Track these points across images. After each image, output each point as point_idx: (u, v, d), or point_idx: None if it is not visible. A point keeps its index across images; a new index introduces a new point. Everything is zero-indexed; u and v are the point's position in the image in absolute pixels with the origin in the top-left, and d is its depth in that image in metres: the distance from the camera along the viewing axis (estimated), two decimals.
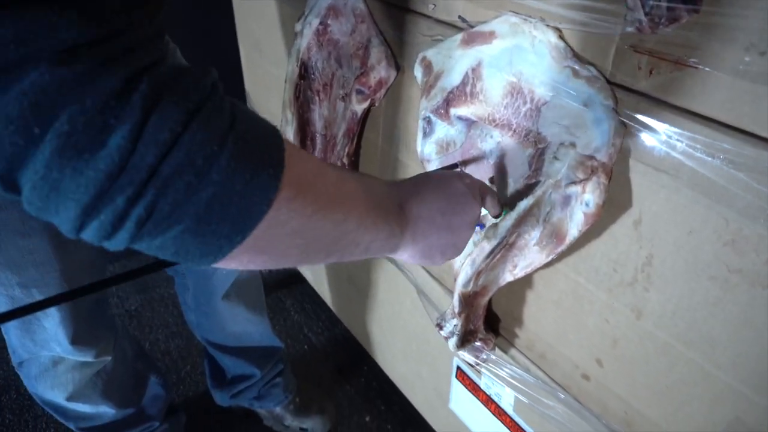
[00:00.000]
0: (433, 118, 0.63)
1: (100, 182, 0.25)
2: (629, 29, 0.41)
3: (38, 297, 0.73)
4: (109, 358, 0.90)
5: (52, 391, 0.88)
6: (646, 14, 0.39)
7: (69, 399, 0.89)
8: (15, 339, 0.83)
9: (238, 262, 0.32)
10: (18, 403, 1.23)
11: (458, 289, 0.62)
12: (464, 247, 0.50)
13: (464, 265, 0.59)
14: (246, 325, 1.08)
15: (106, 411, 0.95)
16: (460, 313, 0.64)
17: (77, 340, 0.81)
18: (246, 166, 0.29)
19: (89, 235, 0.28)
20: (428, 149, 0.65)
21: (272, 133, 0.32)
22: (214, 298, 1.02)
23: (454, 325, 0.66)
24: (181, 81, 0.28)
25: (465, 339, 0.67)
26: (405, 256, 0.47)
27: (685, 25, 0.40)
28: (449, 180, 0.49)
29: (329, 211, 0.35)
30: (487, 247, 0.57)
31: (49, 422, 1.19)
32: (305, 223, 0.34)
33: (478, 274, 0.60)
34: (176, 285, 1.10)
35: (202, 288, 1.03)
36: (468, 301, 0.63)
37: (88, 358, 0.85)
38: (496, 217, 0.56)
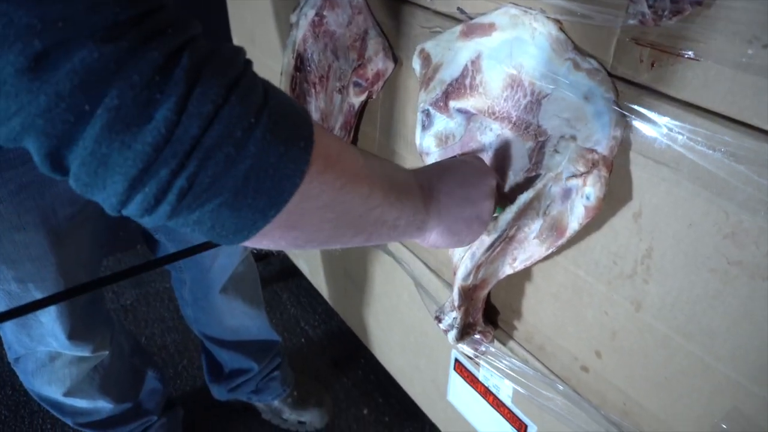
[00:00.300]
0: (432, 110, 0.62)
1: (147, 155, 0.26)
2: (632, 22, 0.41)
3: (34, 291, 0.73)
4: (106, 352, 0.90)
5: (49, 386, 0.88)
6: (649, 7, 0.38)
7: (66, 394, 0.89)
8: (11, 334, 0.82)
9: (270, 238, 0.33)
10: (14, 399, 1.23)
11: (458, 282, 0.62)
12: (488, 219, 0.51)
13: (464, 258, 0.59)
14: (243, 319, 1.08)
15: (103, 406, 0.95)
16: (459, 306, 0.64)
17: (74, 335, 0.81)
18: (280, 140, 0.30)
19: (133, 209, 0.28)
20: (427, 142, 0.65)
21: (301, 110, 0.33)
22: (211, 292, 1.02)
23: (453, 318, 0.66)
24: (218, 56, 0.29)
25: (464, 332, 0.67)
26: (433, 236, 0.47)
27: (688, 18, 0.39)
28: (461, 160, 0.51)
29: (357, 185, 0.36)
30: (487, 240, 0.57)
31: (45, 418, 1.19)
32: (335, 197, 0.35)
33: (477, 267, 0.60)
34: (173, 279, 1.10)
35: (199, 282, 1.02)
36: (467, 294, 0.63)
37: (85, 353, 0.85)
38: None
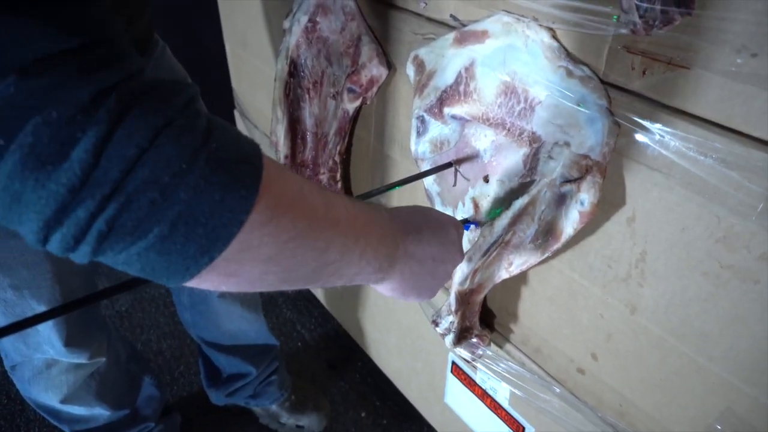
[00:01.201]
0: (427, 117, 0.63)
1: (61, 195, 0.25)
2: (623, 31, 0.42)
3: (30, 299, 0.73)
4: (103, 359, 0.89)
5: (46, 393, 0.87)
6: (640, 17, 0.39)
7: (63, 401, 0.88)
8: (7, 342, 0.82)
9: (209, 283, 0.31)
10: (9, 408, 1.22)
11: (455, 287, 0.62)
12: (437, 292, 0.51)
13: (460, 264, 0.60)
14: (241, 323, 1.08)
15: (100, 413, 0.95)
16: (456, 311, 0.64)
17: (71, 341, 0.81)
18: (216, 186, 0.28)
19: (53, 247, 0.27)
20: (422, 148, 0.65)
21: (251, 153, 0.30)
22: (210, 296, 1.02)
23: (450, 322, 0.67)
24: (153, 95, 0.27)
25: (461, 336, 0.68)
26: (385, 288, 0.45)
27: (678, 27, 0.40)
28: (447, 226, 0.48)
29: (309, 239, 0.33)
30: (483, 245, 0.57)
31: (41, 426, 1.18)
32: (281, 250, 0.32)
33: (474, 272, 0.60)
34: (174, 293, 1.10)
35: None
36: (464, 298, 0.64)
37: (82, 360, 0.85)
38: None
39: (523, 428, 0.77)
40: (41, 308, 0.74)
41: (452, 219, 0.51)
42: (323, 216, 0.34)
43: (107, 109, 0.25)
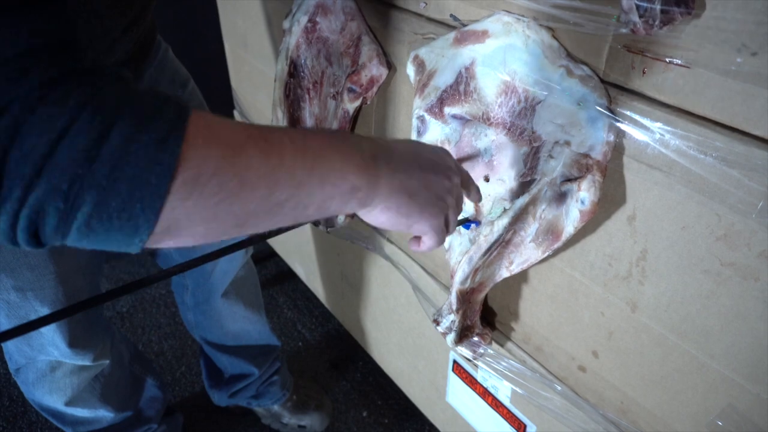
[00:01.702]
0: (427, 116, 0.63)
1: None
2: (623, 30, 0.42)
3: (33, 301, 0.73)
4: (107, 361, 0.90)
5: (50, 396, 0.88)
6: (640, 16, 0.39)
7: (68, 404, 0.89)
8: (11, 345, 0.82)
9: (164, 245, 0.31)
10: (11, 410, 1.22)
11: (456, 286, 0.62)
12: (442, 213, 0.45)
13: (461, 263, 0.60)
14: (244, 323, 1.09)
15: (104, 415, 0.95)
16: (458, 310, 0.64)
17: (75, 343, 0.81)
18: (125, 181, 0.28)
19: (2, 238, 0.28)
20: None
21: (168, 128, 0.29)
22: (213, 296, 1.03)
23: (452, 321, 0.67)
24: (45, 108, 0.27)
25: (463, 334, 0.68)
26: (379, 212, 0.42)
27: (678, 27, 0.40)
28: (429, 146, 0.47)
29: (244, 192, 0.32)
30: (484, 244, 0.58)
31: (44, 429, 1.19)
32: (215, 212, 0.31)
33: (475, 271, 0.60)
34: (173, 284, 1.10)
35: (201, 286, 1.03)
36: (465, 297, 0.64)
37: (87, 362, 0.85)
38: (477, 201, 0.55)
39: (525, 426, 0.77)
40: (45, 310, 0.74)
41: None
42: (260, 164, 0.33)
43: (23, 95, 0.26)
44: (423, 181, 0.43)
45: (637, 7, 0.39)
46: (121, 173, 0.27)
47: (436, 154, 0.46)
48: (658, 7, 0.39)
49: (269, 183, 0.33)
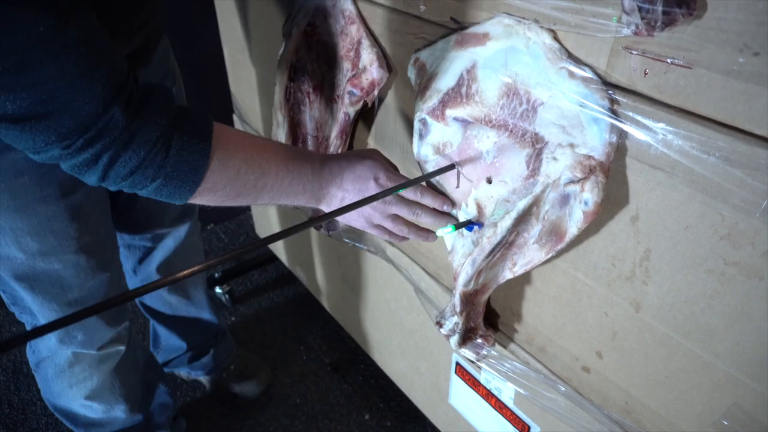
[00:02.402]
0: (429, 119, 0.63)
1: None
2: (626, 32, 0.42)
3: (57, 267, 0.77)
4: (123, 348, 0.93)
5: (70, 390, 0.91)
6: (642, 18, 0.39)
7: (87, 398, 0.92)
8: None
9: (203, 199, 0.55)
10: (11, 417, 1.22)
11: (459, 288, 0.62)
12: (371, 218, 0.64)
13: (465, 265, 0.60)
14: (179, 296, 1.13)
15: (117, 416, 0.97)
16: (461, 312, 0.64)
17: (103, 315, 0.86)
18: (187, 156, 0.51)
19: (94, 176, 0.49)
20: (425, 151, 0.65)
21: (206, 132, 0.53)
22: (151, 265, 1.06)
23: (455, 323, 0.67)
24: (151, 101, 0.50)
25: (466, 336, 0.68)
26: (333, 193, 0.62)
27: (680, 28, 0.40)
28: (363, 161, 0.63)
29: (249, 171, 0.56)
30: (487, 246, 0.58)
31: None
32: (234, 178, 0.55)
33: (478, 272, 0.60)
34: (120, 254, 1.11)
35: (142, 254, 1.06)
36: (468, 299, 0.64)
37: (110, 334, 0.88)
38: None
39: (529, 428, 0.77)
40: (68, 273, 0.78)
41: (370, 155, 0.64)
42: (257, 155, 0.57)
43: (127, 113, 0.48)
44: (356, 186, 0.62)
45: (639, 8, 0.39)
46: (180, 164, 0.51)
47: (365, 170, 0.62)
48: (659, 8, 0.39)
49: (262, 169, 0.57)
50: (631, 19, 0.40)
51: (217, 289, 1.46)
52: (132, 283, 1.11)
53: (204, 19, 1.26)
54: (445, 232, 0.63)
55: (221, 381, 1.25)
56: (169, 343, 1.21)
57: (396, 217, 0.64)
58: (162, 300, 1.13)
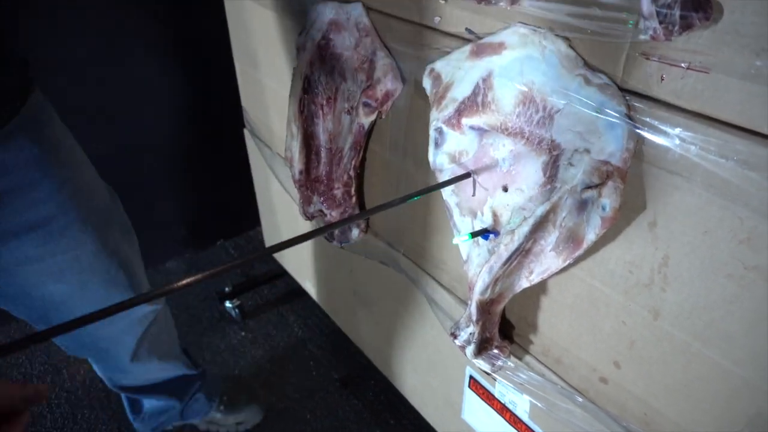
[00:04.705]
0: (445, 128, 0.64)
1: None
2: (643, 37, 0.43)
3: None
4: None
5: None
6: (660, 22, 0.40)
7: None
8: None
9: None
10: None
11: (475, 296, 0.62)
12: None
13: (481, 273, 0.60)
14: (160, 373, 1.09)
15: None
16: (477, 321, 0.64)
17: None
18: None
19: None
20: (440, 159, 0.66)
21: None
22: (123, 361, 1.00)
23: (470, 334, 0.67)
24: None
25: (482, 347, 0.68)
26: None
27: (697, 32, 0.41)
28: None
29: None
30: (504, 253, 0.58)
31: None
32: None
33: (495, 281, 0.60)
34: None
35: (106, 363, 1.01)
36: (485, 308, 0.64)
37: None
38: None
39: None
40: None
41: None
42: None
43: None
44: None
45: (657, 13, 0.40)
46: None
47: None
48: (677, 12, 0.39)
49: None
50: (649, 23, 0.41)
51: (227, 304, 1.46)
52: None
53: (216, 35, 1.28)
54: (462, 240, 0.63)
55: (219, 415, 1.21)
56: (154, 406, 1.15)
57: None
58: (139, 382, 1.08)
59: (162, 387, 1.11)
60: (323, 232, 0.53)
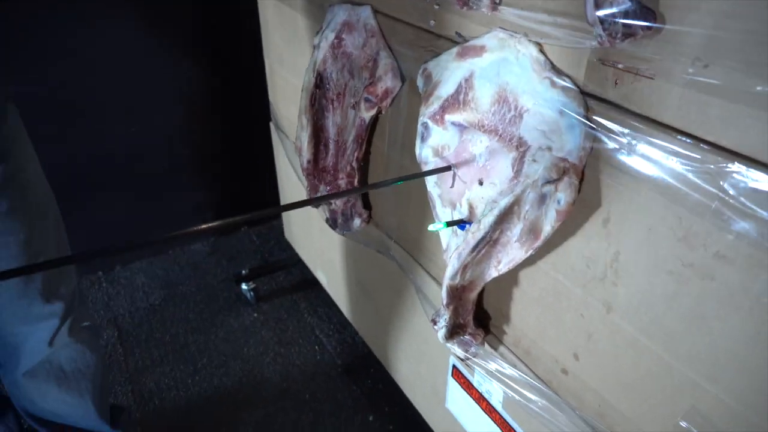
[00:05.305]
0: (430, 123, 0.68)
1: None
2: (593, 44, 0.46)
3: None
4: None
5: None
6: (604, 30, 0.44)
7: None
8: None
9: None
10: None
11: (446, 281, 0.66)
12: None
13: (451, 258, 0.64)
14: (60, 405, 1.02)
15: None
16: (448, 305, 0.68)
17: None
18: None
19: None
20: (425, 152, 0.70)
21: None
22: (16, 371, 0.97)
23: (445, 319, 0.71)
24: None
25: (454, 331, 0.71)
26: None
27: (642, 40, 0.44)
28: None
29: None
30: (471, 241, 0.62)
31: None
32: None
33: (464, 267, 0.64)
34: None
35: (7, 357, 0.97)
36: (456, 293, 0.68)
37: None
38: None
39: (513, 431, 0.79)
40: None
41: None
42: None
43: None
44: None
45: (601, 21, 0.43)
46: None
47: None
48: (620, 21, 0.43)
49: None
50: (597, 30, 0.44)
51: (243, 286, 1.54)
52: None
53: (248, 35, 1.37)
54: (437, 228, 0.67)
55: None
56: None
57: None
58: (36, 406, 1.01)
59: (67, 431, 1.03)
60: (311, 203, 0.58)
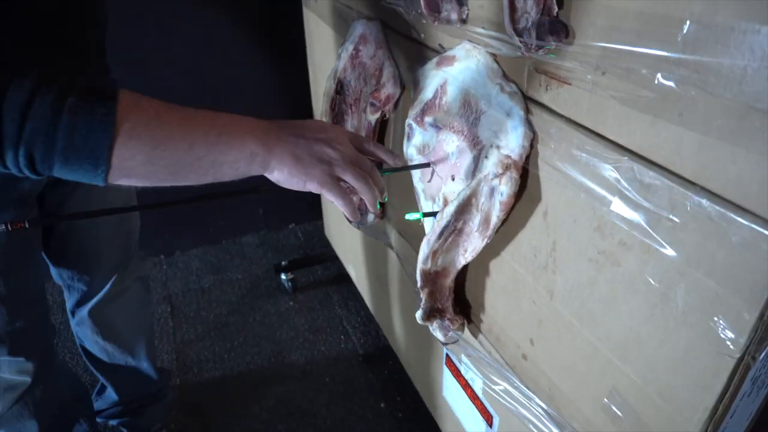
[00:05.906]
0: (414, 124, 0.76)
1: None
2: (518, 53, 0.53)
3: None
4: (28, 379, 0.89)
5: None
6: (521, 42, 0.50)
7: None
8: None
9: (121, 180, 0.46)
10: None
11: (419, 265, 0.74)
12: (326, 175, 0.55)
13: (422, 245, 0.72)
14: (118, 343, 1.09)
15: None
16: (422, 287, 0.75)
17: (15, 351, 0.84)
18: (81, 125, 0.43)
19: (14, 170, 0.44)
20: (410, 151, 0.78)
21: (107, 96, 0.44)
22: (85, 308, 1.04)
23: (421, 300, 0.78)
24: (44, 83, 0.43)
25: (431, 314, 0.78)
26: (275, 171, 0.54)
27: (560, 51, 0.51)
28: (315, 122, 0.59)
29: (172, 143, 0.47)
30: (437, 229, 0.69)
31: None
32: (151, 155, 0.46)
33: (434, 253, 0.72)
34: (64, 293, 1.09)
35: (80, 297, 1.04)
36: (429, 278, 0.75)
37: (12, 363, 0.86)
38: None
39: (492, 418, 0.84)
40: None
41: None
42: (179, 126, 0.48)
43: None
44: (307, 148, 0.55)
45: (517, 32, 0.50)
46: (79, 122, 0.43)
47: (324, 130, 0.57)
48: (534, 34, 0.50)
49: (188, 139, 0.48)
50: (515, 43, 0.51)
51: (282, 276, 1.67)
52: (71, 324, 1.09)
53: (296, 46, 1.50)
54: (413, 218, 0.75)
55: None
56: (105, 392, 1.16)
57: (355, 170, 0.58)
58: (98, 346, 1.08)
59: (113, 371, 1.11)
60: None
